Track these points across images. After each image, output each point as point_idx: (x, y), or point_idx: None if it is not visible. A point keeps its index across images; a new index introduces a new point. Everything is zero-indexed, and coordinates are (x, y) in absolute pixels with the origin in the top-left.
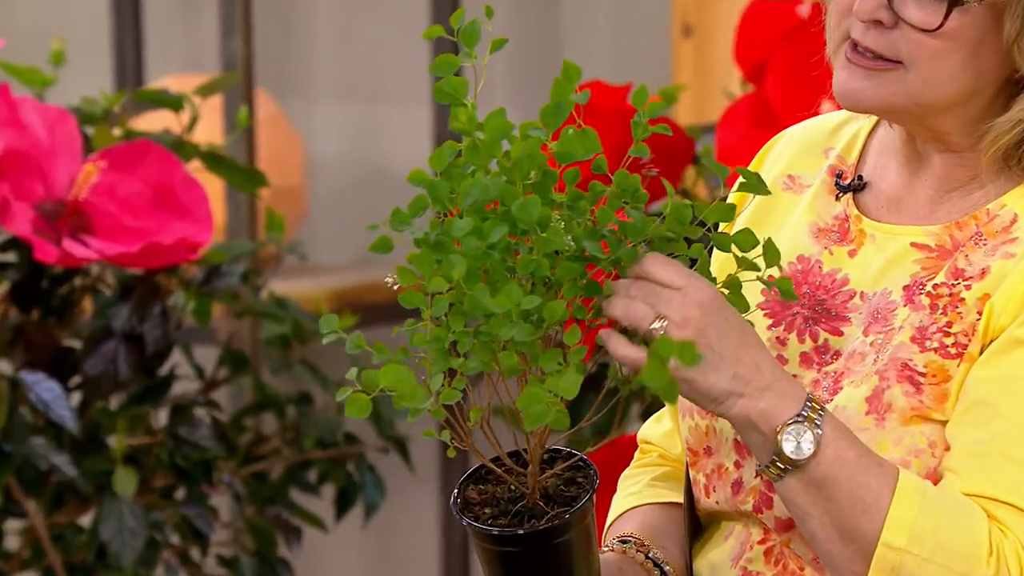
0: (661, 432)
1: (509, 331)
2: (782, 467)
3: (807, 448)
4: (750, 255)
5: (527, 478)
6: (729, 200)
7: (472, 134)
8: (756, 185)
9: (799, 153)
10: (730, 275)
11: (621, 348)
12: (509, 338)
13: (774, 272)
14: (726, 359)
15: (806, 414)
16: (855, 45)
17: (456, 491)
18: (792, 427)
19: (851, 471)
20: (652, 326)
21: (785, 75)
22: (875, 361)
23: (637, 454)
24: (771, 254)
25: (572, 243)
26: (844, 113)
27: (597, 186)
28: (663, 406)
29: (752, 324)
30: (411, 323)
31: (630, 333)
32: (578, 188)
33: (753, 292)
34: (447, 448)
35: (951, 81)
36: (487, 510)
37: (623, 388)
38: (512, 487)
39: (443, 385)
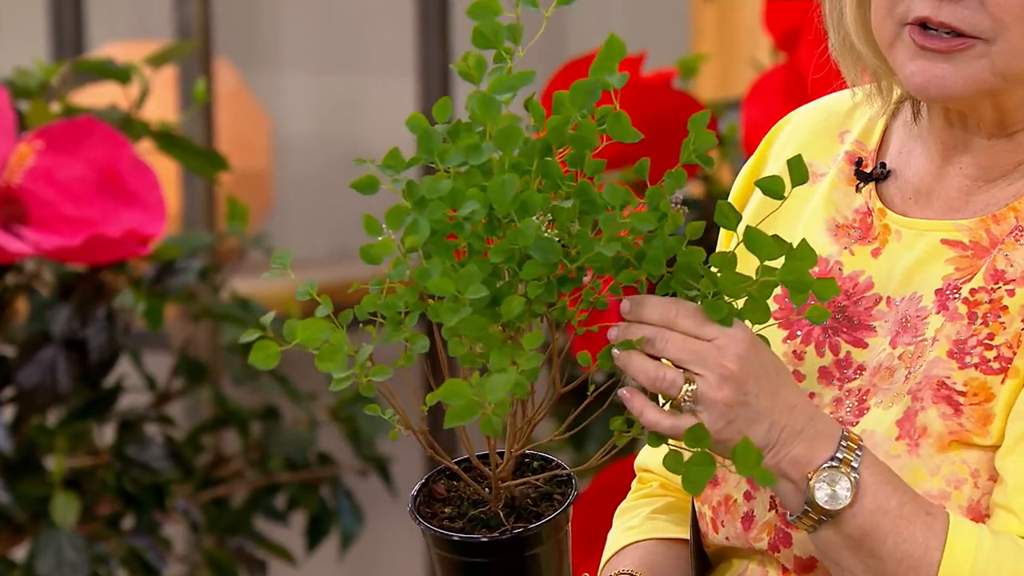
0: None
1: (452, 318)
2: (815, 518)
3: (843, 496)
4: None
5: (495, 491)
6: (733, 193)
7: (478, 83)
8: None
9: (811, 137)
10: (754, 281)
11: (650, 414)
12: (452, 325)
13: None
14: (763, 412)
15: (842, 456)
16: (923, 25)
17: (421, 484)
18: (826, 473)
19: (894, 522)
20: (683, 393)
21: (821, 43)
22: (906, 378)
23: (635, 484)
24: (806, 256)
25: (540, 243)
26: (860, 90)
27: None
28: None
29: (767, 340)
30: (376, 280)
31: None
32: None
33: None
34: (390, 432)
35: None
36: (447, 509)
37: (620, 440)
38: (487, 488)
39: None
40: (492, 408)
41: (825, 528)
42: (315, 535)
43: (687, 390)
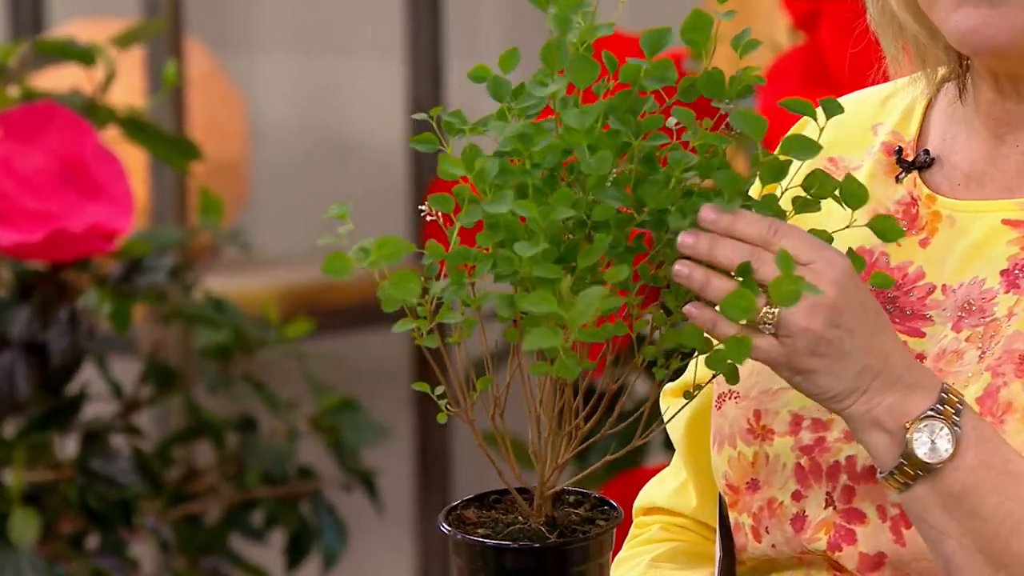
0: (669, 491)
1: (529, 249)
2: (912, 473)
3: (944, 449)
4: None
5: (538, 502)
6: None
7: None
8: (805, 147)
9: (841, 132)
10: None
11: (724, 326)
12: (529, 258)
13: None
14: (858, 350)
15: (941, 408)
16: None
17: (449, 508)
18: (926, 423)
19: (998, 479)
20: (763, 315)
21: (844, 22)
22: (981, 357)
23: (632, 530)
24: (855, 193)
25: (608, 191)
26: (891, 84)
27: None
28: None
29: None
30: (433, 247)
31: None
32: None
33: None
34: (438, 413)
35: None
36: (480, 530)
37: (660, 373)
38: (521, 516)
39: (433, 301)
40: (572, 337)
41: (921, 484)
42: (295, 554)
43: (767, 312)
